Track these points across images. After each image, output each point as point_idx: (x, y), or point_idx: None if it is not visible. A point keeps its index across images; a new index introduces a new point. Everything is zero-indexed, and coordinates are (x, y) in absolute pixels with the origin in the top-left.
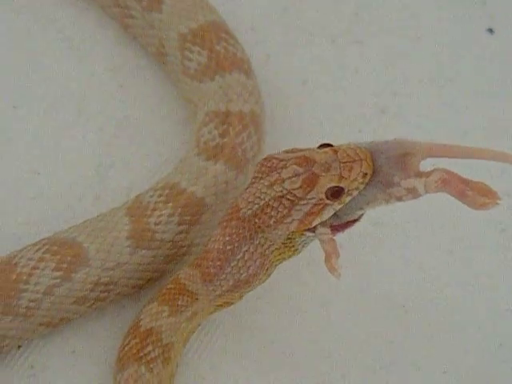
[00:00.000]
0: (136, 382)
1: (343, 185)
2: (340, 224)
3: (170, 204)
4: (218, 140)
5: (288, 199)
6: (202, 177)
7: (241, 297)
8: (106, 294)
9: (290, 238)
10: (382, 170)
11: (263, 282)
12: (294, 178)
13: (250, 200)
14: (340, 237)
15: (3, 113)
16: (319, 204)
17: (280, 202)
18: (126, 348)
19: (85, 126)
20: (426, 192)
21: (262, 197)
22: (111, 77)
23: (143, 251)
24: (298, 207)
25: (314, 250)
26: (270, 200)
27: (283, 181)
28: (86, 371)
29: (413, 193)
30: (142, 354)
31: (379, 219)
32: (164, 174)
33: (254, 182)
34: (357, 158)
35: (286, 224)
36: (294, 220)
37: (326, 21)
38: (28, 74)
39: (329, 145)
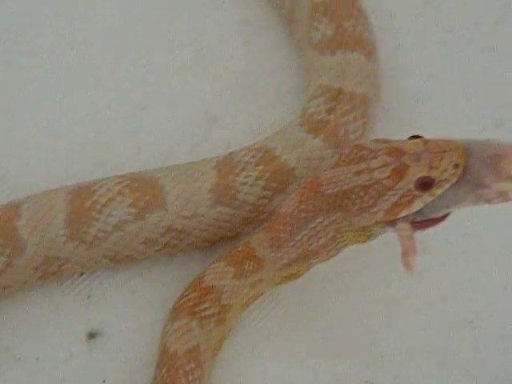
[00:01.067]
0: (184, 334)
1: (433, 175)
2: (422, 221)
3: (260, 167)
4: (323, 115)
5: (375, 189)
6: (299, 148)
7: (308, 268)
8: (176, 241)
9: (368, 226)
10: (473, 170)
11: (332, 256)
12: (382, 168)
13: (333, 180)
14: (426, 239)
15: (125, 45)
16: (408, 195)
17: (366, 191)
18: (184, 299)
19: (201, 73)
20: None
21: (346, 182)
22: (238, 31)
23: (222, 208)
24: (385, 197)
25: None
26: (355, 187)
27: (372, 171)
28: (141, 313)
29: (503, 196)
30: (197, 309)
31: (468, 230)
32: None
33: (340, 165)
34: (447, 149)
35: (371, 213)
36: (380, 210)
37: (466, 22)
38: (154, 13)
39: (419, 137)
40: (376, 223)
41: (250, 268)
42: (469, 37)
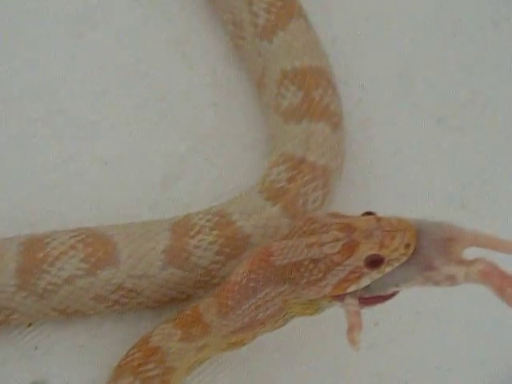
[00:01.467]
0: None
1: (383, 254)
2: (370, 297)
3: (215, 232)
4: (283, 183)
5: (324, 263)
6: (256, 215)
7: (253, 337)
8: (126, 299)
9: (316, 300)
10: (423, 251)
11: (279, 327)
12: (333, 243)
13: (284, 252)
14: (378, 315)
15: (90, 98)
16: (356, 272)
17: (316, 265)
18: (129, 358)
19: (166, 132)
20: (465, 282)
21: (297, 254)
22: (208, 92)
23: (174, 270)
24: (334, 272)
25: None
26: (305, 260)
27: (322, 245)
28: (87, 369)
29: (451, 280)
30: (141, 369)
31: (421, 308)
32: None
33: (292, 236)
34: (400, 228)
35: (318, 287)
36: (328, 284)
37: (437, 100)
38: (123, 68)
39: (373, 214)
40: (324, 297)
41: (197, 332)
42: (439, 115)
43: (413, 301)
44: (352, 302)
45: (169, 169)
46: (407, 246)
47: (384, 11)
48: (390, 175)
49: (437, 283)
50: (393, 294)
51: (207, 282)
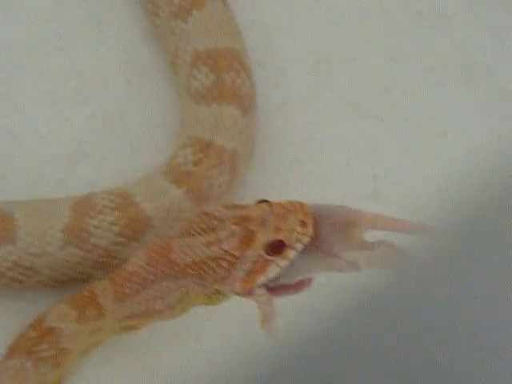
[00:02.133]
0: (17, 374)
1: (281, 237)
2: (277, 287)
3: (117, 213)
4: (189, 166)
5: (226, 260)
6: (159, 197)
7: (149, 324)
8: (24, 277)
9: (220, 292)
10: (323, 237)
11: (177, 317)
12: (231, 239)
13: (184, 250)
14: None
15: (4, 70)
16: (260, 261)
17: (218, 263)
18: (23, 338)
19: (78, 108)
20: (368, 267)
21: (198, 253)
22: (123, 70)
23: (74, 249)
24: (238, 267)
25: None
26: (207, 259)
27: (220, 241)
28: None
29: (353, 266)
30: (34, 349)
31: None
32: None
33: (192, 235)
34: (292, 210)
35: (227, 285)
36: (235, 281)
37: (354, 86)
38: (39, 42)
39: (267, 201)
40: (235, 293)
41: (92, 314)
42: (355, 103)
43: None
44: (262, 293)
45: (78, 145)
46: (303, 224)
47: None
48: (304, 161)
49: (340, 269)
50: (303, 285)
51: (107, 263)
